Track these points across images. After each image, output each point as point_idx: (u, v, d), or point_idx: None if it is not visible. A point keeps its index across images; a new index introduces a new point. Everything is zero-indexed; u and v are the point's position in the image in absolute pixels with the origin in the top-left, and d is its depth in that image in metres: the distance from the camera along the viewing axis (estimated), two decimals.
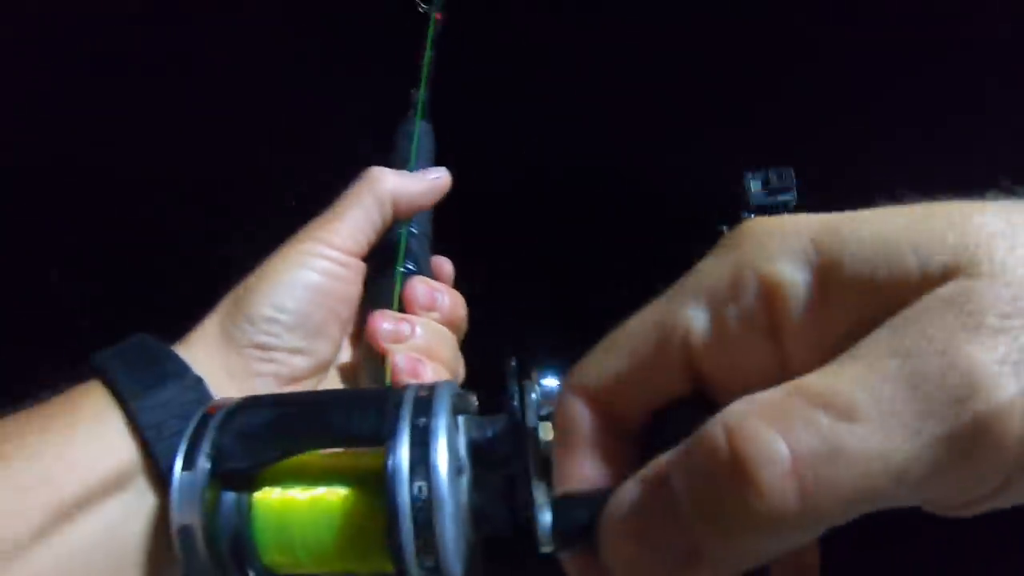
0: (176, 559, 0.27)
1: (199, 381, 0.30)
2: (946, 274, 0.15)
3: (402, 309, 0.38)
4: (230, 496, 0.26)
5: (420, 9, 0.72)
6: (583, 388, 0.20)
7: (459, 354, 0.39)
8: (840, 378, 0.14)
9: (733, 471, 0.14)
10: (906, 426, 0.13)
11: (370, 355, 0.37)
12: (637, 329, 0.19)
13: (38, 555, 0.26)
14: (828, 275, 0.16)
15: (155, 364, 0.30)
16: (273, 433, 0.25)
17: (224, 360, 0.32)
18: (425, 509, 0.23)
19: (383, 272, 0.40)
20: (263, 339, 0.33)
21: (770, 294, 0.17)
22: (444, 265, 0.44)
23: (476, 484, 0.25)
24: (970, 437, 0.13)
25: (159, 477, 0.28)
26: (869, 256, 0.16)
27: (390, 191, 0.38)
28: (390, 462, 0.23)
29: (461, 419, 0.25)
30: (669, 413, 0.20)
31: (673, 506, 0.15)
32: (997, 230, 0.15)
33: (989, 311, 0.14)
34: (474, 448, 0.25)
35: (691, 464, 0.15)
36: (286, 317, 0.33)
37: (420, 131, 0.49)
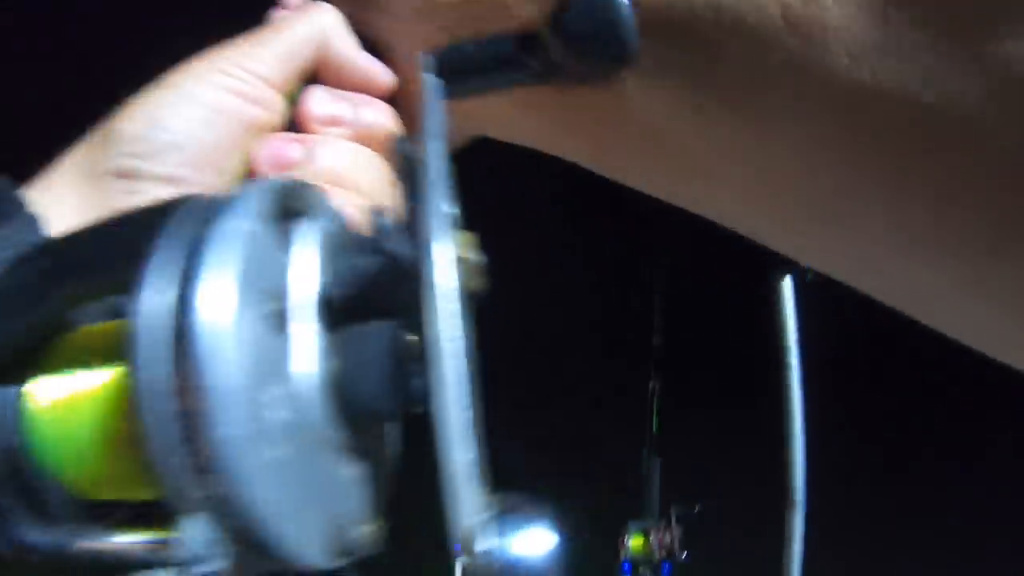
0: None
1: (32, 221, 0.21)
2: None
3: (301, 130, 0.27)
4: None
5: None
6: None
7: (388, 179, 0.27)
8: None
9: None
10: None
11: None
12: None
13: None
14: None
15: None
16: (28, 296, 0.16)
17: (77, 195, 0.23)
18: (190, 390, 0.12)
19: None
20: (127, 163, 0.24)
21: None
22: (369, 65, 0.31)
23: (334, 346, 0.14)
24: None
25: None
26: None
27: (328, 29, 0.27)
28: (135, 309, 0.13)
29: (309, 234, 0.14)
30: None
31: None
32: None
33: None
34: (335, 286, 0.14)
35: None
36: (162, 136, 0.24)
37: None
